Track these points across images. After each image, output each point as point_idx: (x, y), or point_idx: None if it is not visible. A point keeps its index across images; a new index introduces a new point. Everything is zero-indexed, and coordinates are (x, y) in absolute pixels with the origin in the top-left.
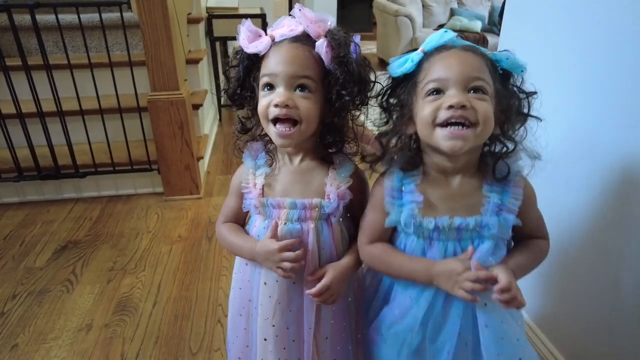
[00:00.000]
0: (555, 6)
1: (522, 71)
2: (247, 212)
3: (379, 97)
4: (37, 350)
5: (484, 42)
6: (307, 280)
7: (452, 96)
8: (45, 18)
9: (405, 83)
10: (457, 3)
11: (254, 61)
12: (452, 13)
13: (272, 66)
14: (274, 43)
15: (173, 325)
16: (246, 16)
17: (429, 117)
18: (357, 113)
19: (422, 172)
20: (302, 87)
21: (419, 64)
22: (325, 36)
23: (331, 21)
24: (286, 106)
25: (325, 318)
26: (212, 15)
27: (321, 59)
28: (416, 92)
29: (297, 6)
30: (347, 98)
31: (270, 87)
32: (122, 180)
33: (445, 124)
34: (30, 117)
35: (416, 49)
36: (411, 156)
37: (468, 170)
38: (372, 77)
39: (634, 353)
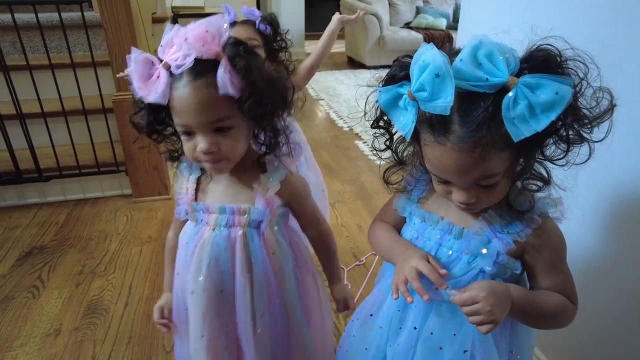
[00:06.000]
0: None
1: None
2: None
3: (373, 123)
4: (3, 358)
5: (449, 39)
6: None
7: (458, 193)
8: (0, 17)
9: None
10: (423, 1)
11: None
12: (418, 11)
13: (183, 117)
14: (171, 76)
15: (146, 325)
16: (212, 15)
17: (441, 193)
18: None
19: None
20: (220, 129)
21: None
22: (224, 50)
23: (226, 22)
24: (211, 152)
25: (261, 327)
26: (178, 15)
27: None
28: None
29: (176, 29)
30: (267, 113)
31: (189, 132)
32: (89, 183)
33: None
34: None
35: (402, 79)
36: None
37: None
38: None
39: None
